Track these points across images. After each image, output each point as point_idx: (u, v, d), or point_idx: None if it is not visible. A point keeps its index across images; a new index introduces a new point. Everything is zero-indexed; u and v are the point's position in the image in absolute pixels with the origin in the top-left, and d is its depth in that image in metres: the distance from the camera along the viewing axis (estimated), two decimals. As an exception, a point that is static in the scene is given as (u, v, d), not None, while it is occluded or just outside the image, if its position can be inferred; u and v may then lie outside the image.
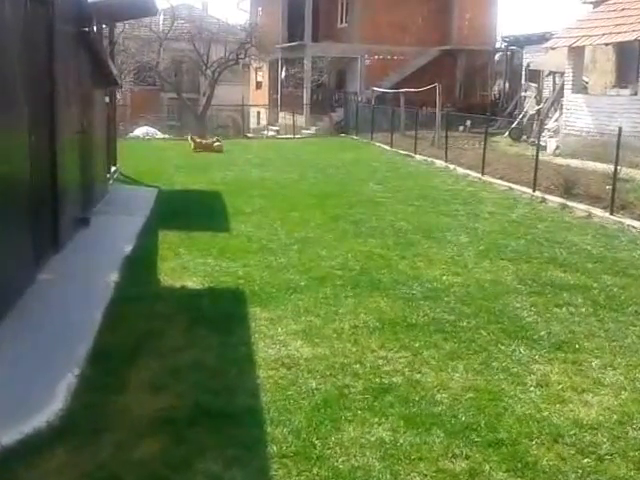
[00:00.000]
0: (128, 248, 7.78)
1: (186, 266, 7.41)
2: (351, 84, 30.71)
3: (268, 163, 17.28)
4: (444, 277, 7.17)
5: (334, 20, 31.77)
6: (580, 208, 10.85)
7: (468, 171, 15.28)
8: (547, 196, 11.88)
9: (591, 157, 15.84)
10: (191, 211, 10.63)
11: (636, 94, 15.52)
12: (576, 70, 17.15)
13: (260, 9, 35.39)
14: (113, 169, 13.31)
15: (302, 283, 6.86)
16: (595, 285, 6.93)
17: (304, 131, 28.87)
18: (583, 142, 16.51)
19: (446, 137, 16.95)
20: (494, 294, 6.61)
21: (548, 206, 11.44)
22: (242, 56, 30.50)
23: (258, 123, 35.62)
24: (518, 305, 6.30)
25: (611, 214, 10.26)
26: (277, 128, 31.77)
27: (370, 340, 5.44)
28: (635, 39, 14.65)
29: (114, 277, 6.67)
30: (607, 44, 16.43)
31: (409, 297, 6.48)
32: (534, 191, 12.29)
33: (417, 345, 5.32)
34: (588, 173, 14.16)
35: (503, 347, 5.30)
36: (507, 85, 28.34)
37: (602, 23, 16.07)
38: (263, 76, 36.20)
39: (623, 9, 16.00)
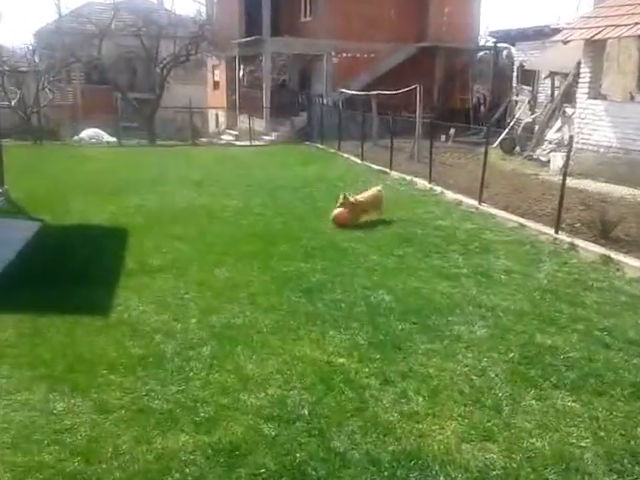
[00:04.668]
0: None
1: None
2: (316, 85, 27.37)
3: (208, 182, 13.67)
4: (467, 451, 3.72)
5: (297, 13, 28.28)
6: (632, 265, 7.46)
7: (460, 196, 11.97)
8: (577, 240, 8.54)
9: (611, 178, 12.74)
10: (65, 267, 7.13)
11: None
12: (595, 70, 13.77)
13: (216, 0, 31.77)
14: (-3, 192, 9.97)
15: (180, 476, 3.41)
16: None
17: (264, 137, 25.50)
18: (600, 159, 13.27)
19: (430, 151, 13.59)
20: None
21: (583, 258, 8.05)
22: (193, 52, 27.02)
23: (217, 127, 32.38)
24: None
25: (687, 278, 6.95)
26: (236, 133, 28.73)
27: None
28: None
29: None
30: (642, 36, 12.98)
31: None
32: (556, 232, 9.00)
33: None
34: (615, 202, 11.04)
35: None
36: (492, 88, 25.18)
37: (632, 10, 12.69)
38: (220, 75, 32.63)
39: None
